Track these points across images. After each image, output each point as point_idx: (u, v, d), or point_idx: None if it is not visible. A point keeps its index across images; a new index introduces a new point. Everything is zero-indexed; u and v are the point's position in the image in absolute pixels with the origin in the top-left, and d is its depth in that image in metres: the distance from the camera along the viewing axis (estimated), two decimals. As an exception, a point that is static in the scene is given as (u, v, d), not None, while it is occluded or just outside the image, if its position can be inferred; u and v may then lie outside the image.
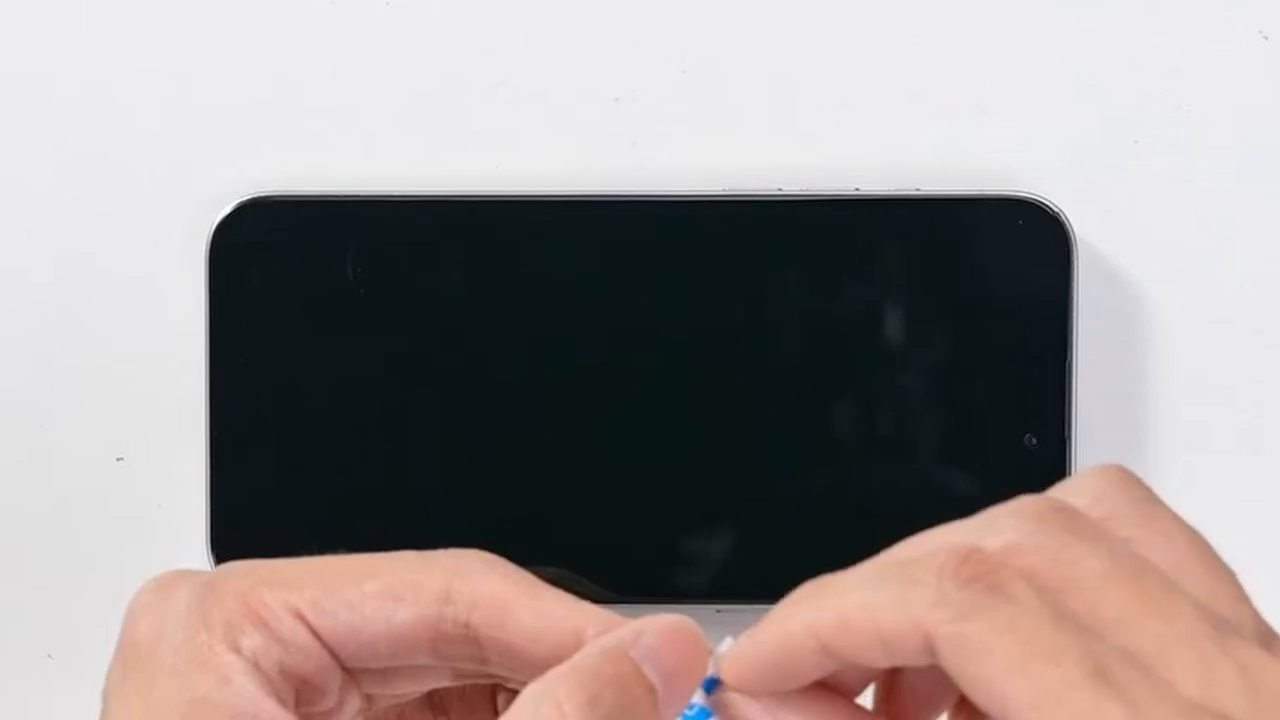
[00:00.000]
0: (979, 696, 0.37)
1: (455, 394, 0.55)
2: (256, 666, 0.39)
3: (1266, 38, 0.57)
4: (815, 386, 0.55)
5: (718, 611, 0.55)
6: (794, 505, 0.55)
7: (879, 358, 0.55)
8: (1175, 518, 0.39)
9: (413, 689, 0.42)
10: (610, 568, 0.55)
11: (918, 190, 0.55)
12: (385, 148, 0.57)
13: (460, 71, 0.57)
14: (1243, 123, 0.56)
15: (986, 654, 0.37)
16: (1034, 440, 0.55)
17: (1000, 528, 0.38)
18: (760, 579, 0.55)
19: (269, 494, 0.55)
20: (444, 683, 0.42)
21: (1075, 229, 0.55)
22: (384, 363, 0.55)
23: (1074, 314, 0.55)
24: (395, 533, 0.55)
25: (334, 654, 0.41)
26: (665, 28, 0.57)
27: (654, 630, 0.41)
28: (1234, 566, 0.55)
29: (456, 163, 0.56)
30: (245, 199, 0.55)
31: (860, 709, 0.39)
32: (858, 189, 0.55)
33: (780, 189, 0.55)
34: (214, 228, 0.55)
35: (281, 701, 0.40)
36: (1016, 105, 0.57)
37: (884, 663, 0.38)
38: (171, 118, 0.57)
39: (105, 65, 0.57)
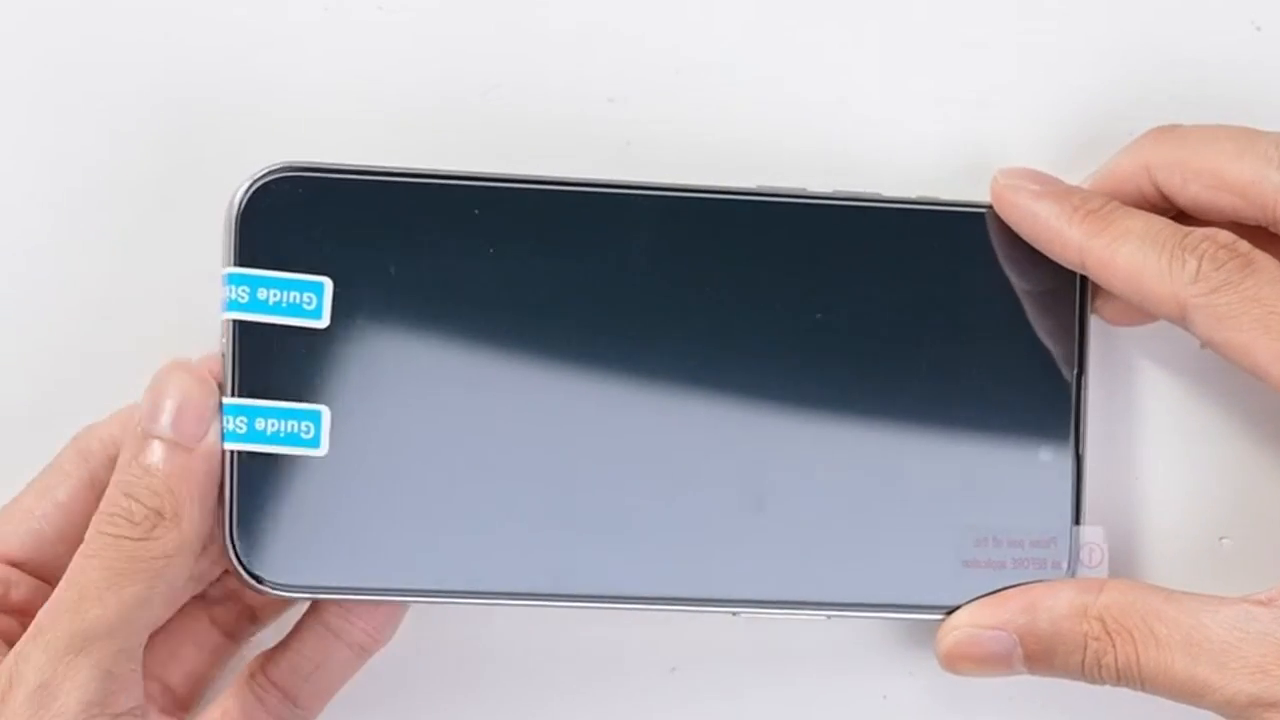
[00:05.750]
0: (1229, 354, 0.50)
1: (487, 379, 0.54)
2: None
3: (1259, 29, 0.57)
4: (823, 394, 0.55)
5: (734, 615, 0.55)
6: (802, 512, 0.55)
7: (888, 366, 0.55)
8: None
9: None
10: (622, 570, 0.55)
11: (921, 195, 0.55)
12: (378, 152, 0.57)
13: (454, 74, 0.57)
14: (1236, 113, 0.56)
15: (1234, 318, 0.50)
16: (1048, 452, 0.55)
17: None
18: (770, 584, 0.55)
19: (294, 483, 0.54)
20: None
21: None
22: (418, 348, 0.54)
23: (1085, 317, 0.55)
24: (415, 516, 0.54)
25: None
26: (658, 28, 0.57)
27: None
28: (1247, 575, 0.55)
29: (451, 166, 0.56)
30: (270, 168, 0.53)
31: None
32: (878, 192, 0.55)
33: (805, 188, 0.55)
34: (241, 197, 0.53)
35: None
36: (1013, 102, 0.57)
37: (1137, 305, 0.52)
38: (163, 125, 0.57)
39: (97, 76, 0.57)
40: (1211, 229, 0.52)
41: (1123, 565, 0.57)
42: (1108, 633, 0.51)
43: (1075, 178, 0.55)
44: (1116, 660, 0.51)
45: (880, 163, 0.57)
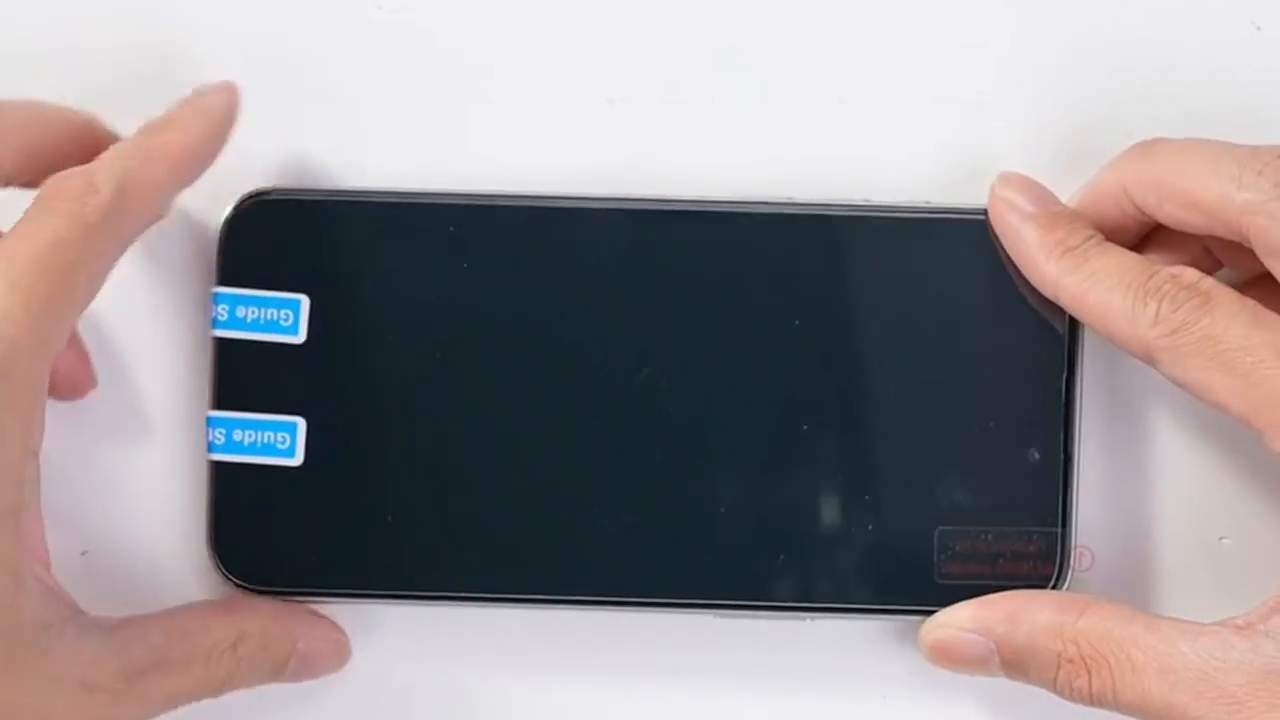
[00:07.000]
0: (1195, 393, 0.51)
1: (458, 393, 0.55)
2: None
3: (1259, 29, 0.57)
4: (817, 398, 0.55)
5: (715, 617, 0.55)
6: (795, 516, 0.55)
7: (882, 370, 0.55)
8: None
9: None
10: (610, 570, 0.55)
11: (918, 201, 0.55)
12: (377, 153, 0.57)
13: (454, 75, 0.57)
14: (1236, 114, 0.56)
15: (1192, 358, 0.50)
16: (1037, 454, 0.55)
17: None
18: (752, 585, 0.55)
19: (271, 491, 0.55)
20: None
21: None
22: (390, 362, 0.55)
23: (1079, 322, 0.54)
24: (386, 523, 0.55)
25: None
26: (658, 28, 0.57)
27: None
28: (1247, 575, 0.55)
29: (450, 167, 0.57)
30: (251, 193, 0.55)
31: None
32: (867, 199, 0.55)
33: (791, 197, 0.55)
34: (223, 220, 0.55)
35: None
36: (1012, 103, 0.57)
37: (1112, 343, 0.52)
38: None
39: (96, 75, 0.57)
40: (1179, 268, 0.52)
41: (1123, 564, 0.57)
42: (1082, 657, 0.51)
43: (1074, 180, 0.55)
44: (1090, 685, 0.51)
45: (878, 163, 0.57)
